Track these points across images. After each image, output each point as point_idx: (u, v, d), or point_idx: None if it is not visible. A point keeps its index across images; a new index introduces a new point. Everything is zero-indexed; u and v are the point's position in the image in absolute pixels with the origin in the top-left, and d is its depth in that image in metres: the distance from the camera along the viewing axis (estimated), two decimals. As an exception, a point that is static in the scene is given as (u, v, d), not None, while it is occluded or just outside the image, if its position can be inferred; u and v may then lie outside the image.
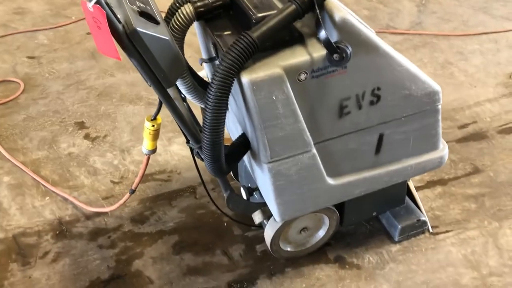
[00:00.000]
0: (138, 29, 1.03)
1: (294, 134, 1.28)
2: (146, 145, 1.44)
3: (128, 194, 1.75)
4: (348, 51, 1.16)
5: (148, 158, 1.52)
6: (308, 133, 1.30)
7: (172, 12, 1.34)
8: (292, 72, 1.20)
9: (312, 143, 1.33)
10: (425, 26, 3.12)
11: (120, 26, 1.01)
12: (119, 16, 1.01)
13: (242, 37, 1.14)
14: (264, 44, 1.15)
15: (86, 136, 2.33)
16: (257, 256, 1.81)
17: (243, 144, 1.40)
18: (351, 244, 1.83)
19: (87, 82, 2.67)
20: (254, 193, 1.68)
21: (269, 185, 1.38)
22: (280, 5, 1.24)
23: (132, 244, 1.85)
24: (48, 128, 2.38)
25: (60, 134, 2.34)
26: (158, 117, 1.38)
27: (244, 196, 1.69)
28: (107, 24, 0.97)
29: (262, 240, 1.82)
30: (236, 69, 1.14)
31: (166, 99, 1.20)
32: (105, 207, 1.95)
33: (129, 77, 2.71)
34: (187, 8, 1.29)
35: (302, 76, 1.22)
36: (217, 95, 1.14)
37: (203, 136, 1.20)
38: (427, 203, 1.95)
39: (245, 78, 1.16)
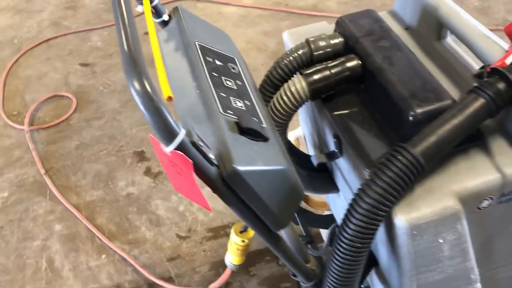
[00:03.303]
0: (240, 168, 0.62)
1: (458, 274, 0.86)
2: (232, 259, 1.05)
3: None
4: None
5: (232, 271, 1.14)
6: (476, 270, 0.87)
7: (272, 83, 0.91)
8: (471, 200, 0.76)
9: (478, 278, 0.90)
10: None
11: (213, 169, 0.61)
12: (211, 156, 0.61)
13: (397, 154, 0.71)
14: (430, 164, 0.72)
15: (147, 172, 1.98)
16: None
17: (367, 263, 0.99)
18: None
19: (146, 97, 2.31)
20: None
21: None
22: (449, 86, 0.79)
23: (203, 327, 1.51)
24: (103, 160, 2.05)
25: (117, 168, 2.01)
26: (250, 229, 0.98)
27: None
28: (192, 175, 0.58)
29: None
30: (387, 206, 0.71)
31: (273, 244, 0.79)
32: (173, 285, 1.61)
33: (194, 90, 2.32)
34: (299, 84, 0.86)
35: (485, 203, 0.78)
36: (354, 245, 0.73)
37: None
38: None
39: (401, 219, 0.73)
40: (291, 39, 1.04)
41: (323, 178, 1.06)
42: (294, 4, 2.74)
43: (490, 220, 0.82)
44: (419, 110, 0.75)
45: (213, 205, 1.84)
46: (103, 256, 1.72)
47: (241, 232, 0.98)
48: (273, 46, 2.46)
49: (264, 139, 0.68)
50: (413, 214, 0.73)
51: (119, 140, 2.12)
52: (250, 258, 1.67)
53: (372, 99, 0.86)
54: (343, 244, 0.74)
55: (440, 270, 0.83)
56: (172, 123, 0.56)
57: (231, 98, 0.72)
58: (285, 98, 0.86)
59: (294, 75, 0.92)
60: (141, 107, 0.55)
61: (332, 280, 0.78)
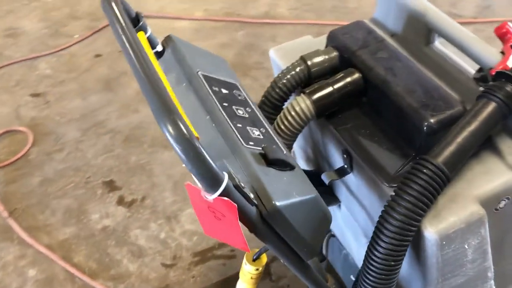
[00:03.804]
0: (280, 204, 0.59)
1: (478, 275, 0.87)
2: (244, 288, 1.02)
3: None
4: None
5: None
6: (492, 268, 0.89)
7: (271, 104, 0.89)
8: (491, 203, 0.77)
9: (493, 275, 0.92)
10: (496, 10, 2.64)
11: (253, 210, 0.58)
12: (251, 195, 0.57)
13: (421, 167, 0.70)
14: (453, 173, 0.72)
15: (120, 201, 1.90)
16: None
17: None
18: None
19: (107, 123, 2.21)
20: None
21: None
22: (453, 93, 0.79)
23: None
24: (71, 194, 1.94)
25: (87, 201, 1.91)
26: (263, 255, 0.95)
27: None
28: (237, 219, 0.54)
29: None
30: (417, 220, 0.71)
31: (304, 273, 0.76)
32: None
33: (157, 111, 2.25)
34: (303, 103, 0.84)
35: (502, 204, 0.79)
36: (387, 263, 0.72)
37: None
38: None
39: (431, 231, 0.72)
40: (278, 55, 1.02)
41: (324, 191, 1.04)
42: (246, 13, 2.72)
43: (506, 219, 0.83)
44: (432, 120, 0.75)
45: (196, 228, 1.79)
46: (87, 296, 1.63)
47: (253, 260, 0.94)
48: (232, 57, 2.44)
49: (291, 167, 0.65)
50: (441, 225, 0.73)
51: (86, 171, 2.02)
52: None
53: (378, 111, 0.86)
54: (375, 264, 0.73)
55: (463, 274, 0.84)
56: (216, 168, 0.52)
57: (247, 128, 0.69)
58: (290, 118, 0.84)
59: (293, 94, 0.90)
60: (181, 155, 0.51)
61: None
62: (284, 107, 0.89)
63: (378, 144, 0.82)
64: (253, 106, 0.77)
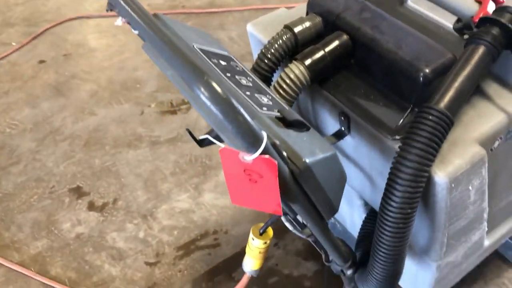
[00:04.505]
0: (310, 162, 0.59)
1: (476, 217, 0.91)
2: (252, 264, 1.01)
3: None
4: None
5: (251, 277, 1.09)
6: (487, 209, 0.93)
7: (261, 76, 0.89)
8: (487, 144, 0.80)
9: (487, 217, 0.96)
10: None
11: (286, 169, 0.57)
12: (284, 153, 0.57)
13: (426, 114, 0.73)
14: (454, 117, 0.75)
15: (91, 206, 1.83)
16: (365, 326, 1.46)
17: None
18: (467, 280, 1.52)
19: (64, 129, 2.12)
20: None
21: (428, 279, 1.01)
22: (436, 44, 0.82)
23: None
24: (37, 206, 1.84)
25: (55, 211, 1.82)
26: (269, 229, 0.95)
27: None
28: (277, 178, 0.53)
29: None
30: (429, 165, 0.73)
31: (324, 232, 0.77)
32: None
33: (114, 111, 2.18)
34: (297, 69, 0.84)
35: (496, 144, 0.83)
36: (404, 211, 0.73)
37: (376, 266, 0.80)
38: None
39: (440, 175, 0.75)
40: (257, 29, 1.02)
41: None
42: (191, 4, 2.69)
43: (498, 159, 0.87)
44: (428, 70, 0.78)
45: (174, 223, 1.76)
46: (72, 307, 1.56)
47: (260, 234, 0.94)
48: (183, 50, 2.40)
49: (307, 128, 0.66)
50: (449, 169, 0.75)
51: (48, 181, 1.92)
52: (230, 262, 1.62)
53: (368, 71, 0.87)
54: (392, 214, 0.75)
55: (466, 216, 0.88)
56: (255, 126, 0.51)
57: (255, 95, 0.69)
58: (285, 86, 0.84)
59: (280, 66, 0.90)
60: (220, 115, 0.49)
61: (383, 253, 0.79)
62: (275, 78, 0.89)
63: (374, 102, 0.84)
64: (253, 76, 0.76)
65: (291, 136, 0.62)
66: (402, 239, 0.77)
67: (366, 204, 1.06)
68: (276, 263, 1.62)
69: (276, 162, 0.52)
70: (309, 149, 0.61)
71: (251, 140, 0.51)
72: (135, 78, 2.32)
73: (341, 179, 0.69)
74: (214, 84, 0.49)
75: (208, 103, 0.49)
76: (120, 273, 1.63)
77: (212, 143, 1.06)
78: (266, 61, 0.88)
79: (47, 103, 2.24)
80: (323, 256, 0.90)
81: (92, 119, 2.15)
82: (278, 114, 0.64)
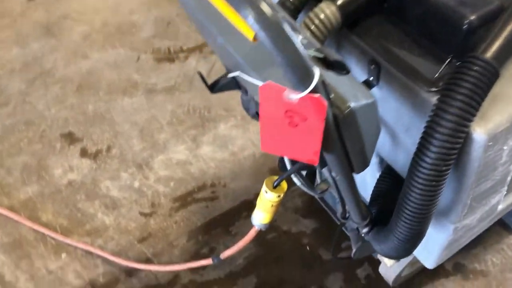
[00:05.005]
0: (354, 105, 0.53)
1: (501, 179, 0.87)
2: (262, 218, 0.96)
3: (210, 260, 1.27)
4: None
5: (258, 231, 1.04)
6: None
7: (287, 6, 0.81)
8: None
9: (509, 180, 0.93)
10: None
11: (330, 112, 0.51)
12: (332, 95, 0.50)
13: (470, 64, 0.67)
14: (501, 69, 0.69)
15: (83, 153, 1.76)
16: (362, 285, 1.44)
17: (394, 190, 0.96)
18: (467, 246, 1.51)
19: (55, 71, 2.02)
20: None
21: (441, 241, 0.98)
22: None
23: (202, 301, 1.42)
24: (27, 150, 1.77)
25: (47, 156, 1.75)
26: (283, 182, 0.89)
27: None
28: (323, 119, 0.47)
29: (358, 262, 1.46)
30: (470, 120, 0.68)
31: (352, 186, 0.72)
32: (154, 264, 1.47)
33: (108, 55, 2.07)
34: (328, 9, 0.76)
35: (535, 102, 0.78)
36: (438, 169, 0.69)
37: (401, 225, 0.76)
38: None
39: (480, 132, 0.70)
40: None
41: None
42: None
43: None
44: (473, 17, 0.72)
45: (171, 174, 1.71)
46: (63, 255, 1.51)
47: (274, 187, 0.89)
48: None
49: (347, 71, 0.59)
50: (489, 125, 0.71)
51: (39, 125, 1.84)
52: (226, 218, 1.59)
53: (404, 16, 0.80)
54: (425, 171, 0.70)
55: (493, 178, 0.84)
56: (308, 59, 0.45)
57: (294, 30, 0.61)
58: (313, 28, 0.77)
59: (301, 13, 0.82)
60: (270, 43, 0.43)
61: (411, 212, 0.74)
62: (302, 18, 0.81)
63: (408, 51, 0.77)
64: (283, 12, 0.69)
65: (333, 78, 0.55)
66: (433, 198, 0.73)
67: (381, 161, 1.01)
68: (275, 219, 1.59)
69: (326, 103, 0.46)
70: (352, 93, 0.55)
71: (302, 75, 0.44)
72: (131, 22, 2.21)
73: (377, 131, 0.64)
74: (265, 5, 0.42)
75: (258, 27, 0.42)
76: (114, 222, 1.58)
77: (224, 89, 1.00)
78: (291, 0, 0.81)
79: (37, 43, 2.12)
80: (340, 212, 0.86)
81: (85, 63, 2.05)
82: (318, 53, 0.58)
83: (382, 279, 1.41)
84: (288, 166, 0.95)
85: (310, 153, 0.55)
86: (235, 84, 0.98)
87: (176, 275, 1.46)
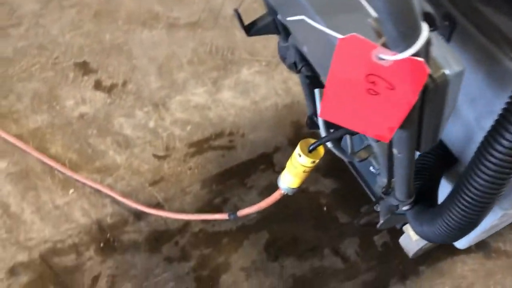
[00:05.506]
0: (448, 73, 0.42)
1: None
2: (290, 182, 0.88)
3: (225, 215, 1.21)
4: None
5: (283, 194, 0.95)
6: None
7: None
8: None
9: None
10: None
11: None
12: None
13: None
14: None
15: (98, 86, 1.66)
16: (378, 252, 1.39)
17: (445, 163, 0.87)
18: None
19: (71, -6, 1.88)
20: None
21: (485, 224, 0.90)
22: None
23: (211, 251, 1.37)
24: (38, 76, 1.67)
25: (58, 85, 1.66)
26: (320, 147, 0.80)
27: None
28: (419, 89, 0.37)
29: (378, 229, 1.40)
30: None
31: (411, 162, 0.62)
32: (163, 210, 1.41)
33: (130, -18, 1.93)
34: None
35: None
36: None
37: (455, 211, 0.67)
38: None
39: None
40: None
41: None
42: None
43: None
44: None
45: (188, 117, 1.62)
46: (71, 190, 1.46)
47: (310, 151, 0.80)
48: None
49: (436, 26, 0.48)
50: None
51: (52, 51, 1.73)
52: (242, 169, 1.51)
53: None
54: (498, 155, 0.60)
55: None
56: (417, 9, 0.34)
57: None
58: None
59: None
60: None
61: (471, 199, 0.66)
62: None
63: (492, 7, 0.65)
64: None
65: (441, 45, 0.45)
66: (501, 187, 0.64)
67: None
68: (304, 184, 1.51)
69: (428, 71, 0.36)
70: (444, 58, 0.45)
71: (407, 29, 0.34)
72: None
73: (454, 104, 0.54)
74: None
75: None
76: (126, 162, 1.51)
77: (262, 32, 0.88)
78: None
79: (54, -39, 1.97)
80: (385, 188, 0.77)
81: (105, -12, 1.91)
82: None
83: (400, 249, 1.35)
84: (321, 126, 0.85)
85: (384, 128, 0.45)
86: (275, 27, 0.87)
87: (187, 223, 1.41)
